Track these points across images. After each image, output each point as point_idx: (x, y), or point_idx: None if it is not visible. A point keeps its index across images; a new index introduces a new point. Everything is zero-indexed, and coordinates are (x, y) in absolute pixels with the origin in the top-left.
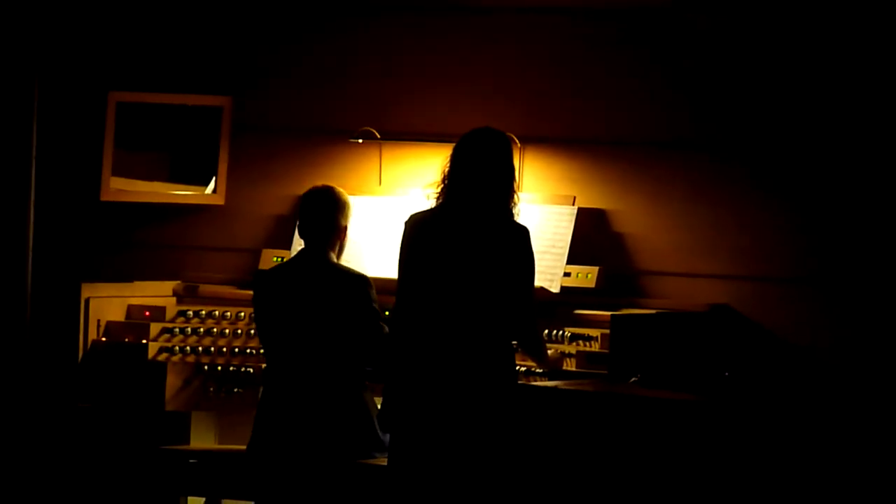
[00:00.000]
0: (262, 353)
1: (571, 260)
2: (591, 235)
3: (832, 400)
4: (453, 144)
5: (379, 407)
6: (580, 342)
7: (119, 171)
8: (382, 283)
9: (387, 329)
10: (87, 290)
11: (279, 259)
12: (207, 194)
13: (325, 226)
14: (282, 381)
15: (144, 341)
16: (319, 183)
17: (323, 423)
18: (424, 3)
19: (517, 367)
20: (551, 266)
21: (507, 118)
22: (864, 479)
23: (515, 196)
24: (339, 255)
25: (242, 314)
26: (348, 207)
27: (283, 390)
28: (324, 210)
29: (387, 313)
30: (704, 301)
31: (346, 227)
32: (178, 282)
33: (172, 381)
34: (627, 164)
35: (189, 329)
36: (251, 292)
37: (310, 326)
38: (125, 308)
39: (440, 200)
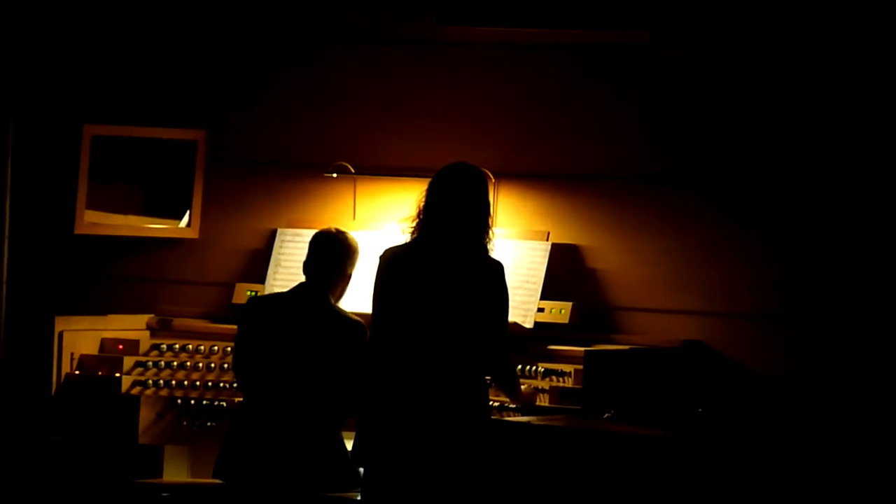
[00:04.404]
0: (234, 381)
1: (545, 295)
2: (565, 271)
3: (805, 435)
4: (428, 179)
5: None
6: (553, 378)
7: (93, 204)
8: None
9: None
10: (61, 324)
11: (253, 293)
12: (181, 228)
13: (330, 270)
14: (257, 410)
15: (118, 375)
16: (294, 214)
17: (297, 457)
18: (400, 38)
19: (490, 403)
20: (525, 301)
21: (482, 153)
22: None
23: (490, 231)
24: (337, 300)
25: (216, 348)
26: (356, 255)
27: (258, 420)
28: (333, 255)
29: None
30: (678, 337)
31: (350, 275)
32: (152, 315)
33: (146, 415)
34: (602, 200)
35: (162, 363)
36: (225, 326)
37: (296, 362)
38: (99, 341)
39: (415, 235)
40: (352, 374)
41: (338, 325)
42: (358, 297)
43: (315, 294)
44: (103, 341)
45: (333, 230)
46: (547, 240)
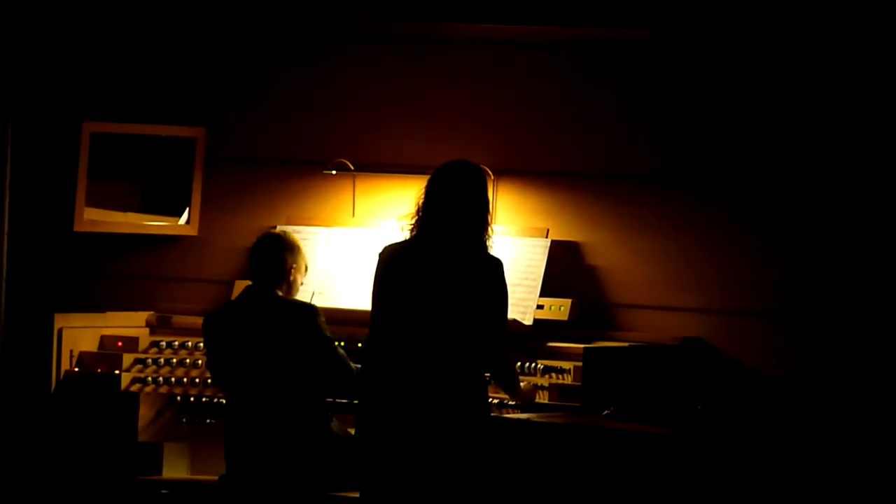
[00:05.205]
0: (219, 391)
1: (544, 292)
2: (564, 268)
3: (805, 434)
4: (427, 176)
5: (348, 436)
6: (553, 375)
7: (92, 202)
8: (356, 315)
9: (342, 353)
10: (60, 321)
11: None
12: (181, 225)
13: (271, 265)
14: (242, 416)
15: (117, 372)
16: (293, 212)
17: (288, 456)
18: (400, 36)
19: (490, 400)
20: (524, 298)
21: (482, 150)
22: None
23: (489, 228)
24: (287, 294)
25: None
26: (298, 250)
27: (245, 425)
28: (271, 251)
29: (360, 345)
30: (677, 334)
31: (293, 269)
32: (152, 312)
33: (145, 412)
34: (601, 197)
35: (162, 360)
36: None
37: (261, 360)
38: (98, 338)
39: (414, 232)
40: (320, 357)
41: (286, 311)
42: (358, 294)
43: (260, 291)
44: (103, 338)
45: (273, 230)
46: (546, 237)
